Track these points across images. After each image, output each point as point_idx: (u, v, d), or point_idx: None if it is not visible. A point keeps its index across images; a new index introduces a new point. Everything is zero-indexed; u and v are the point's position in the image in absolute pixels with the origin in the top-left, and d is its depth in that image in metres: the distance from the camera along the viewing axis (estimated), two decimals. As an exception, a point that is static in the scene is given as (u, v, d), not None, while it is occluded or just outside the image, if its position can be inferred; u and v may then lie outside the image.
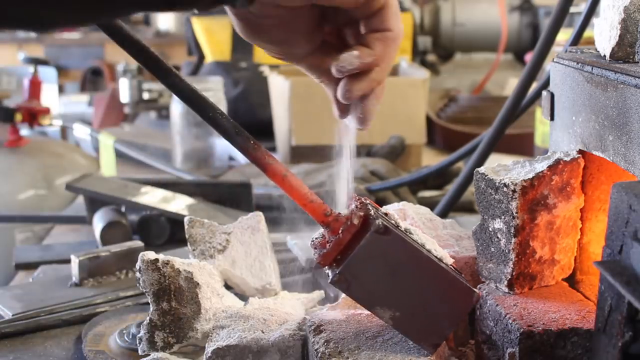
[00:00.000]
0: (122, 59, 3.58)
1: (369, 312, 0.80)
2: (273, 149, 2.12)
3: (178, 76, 0.74)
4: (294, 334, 0.79)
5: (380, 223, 0.71)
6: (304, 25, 0.73)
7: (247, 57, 2.39)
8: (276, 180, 0.74)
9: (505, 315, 0.76)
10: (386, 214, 0.77)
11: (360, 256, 0.71)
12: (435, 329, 0.73)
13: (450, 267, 0.76)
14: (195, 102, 0.74)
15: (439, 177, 1.58)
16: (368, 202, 0.74)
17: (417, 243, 0.75)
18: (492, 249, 0.82)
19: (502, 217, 0.79)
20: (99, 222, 1.32)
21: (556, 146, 0.88)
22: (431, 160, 1.89)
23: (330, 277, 0.72)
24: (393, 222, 0.76)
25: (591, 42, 0.87)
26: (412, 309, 0.73)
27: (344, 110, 0.78)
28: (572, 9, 1.18)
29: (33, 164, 2.08)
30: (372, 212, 0.72)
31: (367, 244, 0.71)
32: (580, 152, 0.82)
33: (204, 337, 0.85)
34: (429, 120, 2.11)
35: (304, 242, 1.16)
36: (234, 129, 0.75)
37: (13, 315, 1.00)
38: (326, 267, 0.73)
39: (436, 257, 0.75)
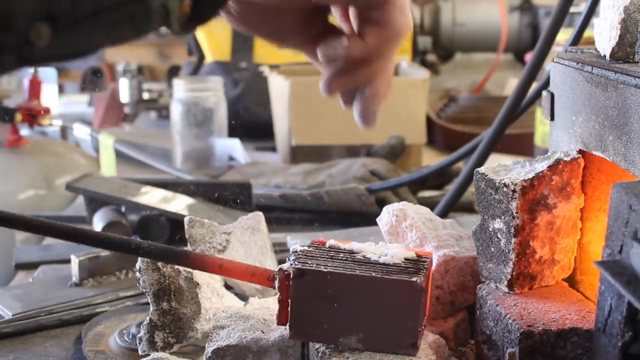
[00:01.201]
0: (122, 59, 3.58)
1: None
2: (273, 149, 2.12)
3: (84, 231, 0.80)
4: (294, 334, 0.79)
5: (294, 269, 0.73)
6: (291, 19, 0.70)
7: (247, 57, 2.39)
8: (214, 271, 0.78)
9: (505, 315, 0.76)
10: (319, 246, 0.79)
11: (297, 304, 0.73)
12: (402, 332, 0.73)
13: (396, 264, 0.75)
14: (118, 246, 0.79)
15: (439, 177, 1.57)
16: (303, 247, 0.77)
17: (347, 261, 0.75)
18: (492, 249, 0.82)
19: (502, 217, 0.79)
20: (99, 222, 1.32)
21: (556, 146, 0.88)
22: (431, 160, 1.88)
23: (288, 334, 0.74)
24: (324, 254, 0.77)
25: (591, 42, 0.87)
26: (370, 326, 0.73)
27: (347, 100, 0.74)
28: (572, 9, 1.18)
29: (33, 164, 2.08)
30: (291, 260, 0.75)
31: (295, 292, 0.73)
32: (580, 152, 0.82)
33: (204, 337, 0.85)
34: (429, 120, 2.11)
35: (304, 242, 1.16)
36: (162, 250, 0.79)
37: (13, 315, 1.00)
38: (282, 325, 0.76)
39: (372, 261, 0.75)
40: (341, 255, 0.77)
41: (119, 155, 1.92)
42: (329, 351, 0.73)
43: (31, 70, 2.33)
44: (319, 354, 0.73)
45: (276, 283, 0.75)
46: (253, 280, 0.78)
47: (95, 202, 1.38)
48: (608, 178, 0.80)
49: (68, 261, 1.13)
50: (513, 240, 0.79)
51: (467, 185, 1.25)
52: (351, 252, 0.78)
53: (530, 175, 0.79)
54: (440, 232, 0.92)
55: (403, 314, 0.73)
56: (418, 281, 0.73)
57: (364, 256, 0.76)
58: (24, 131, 2.25)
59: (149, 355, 0.83)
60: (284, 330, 0.78)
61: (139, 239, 0.82)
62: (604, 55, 0.79)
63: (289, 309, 0.74)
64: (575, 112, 0.82)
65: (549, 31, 1.16)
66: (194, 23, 0.57)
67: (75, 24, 0.47)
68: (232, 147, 1.94)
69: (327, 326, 0.73)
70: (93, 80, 4.40)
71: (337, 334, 0.73)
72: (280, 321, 0.75)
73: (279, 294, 0.75)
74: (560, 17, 1.15)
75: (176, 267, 0.86)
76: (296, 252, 0.77)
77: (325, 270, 0.73)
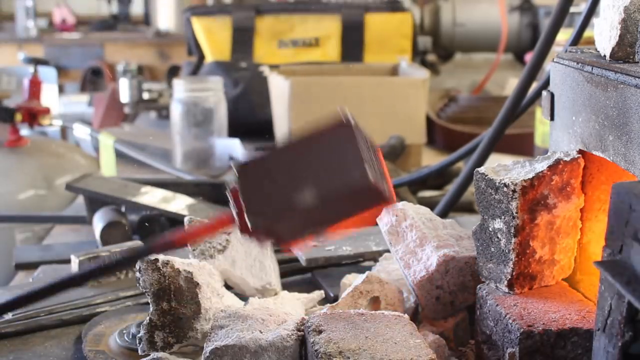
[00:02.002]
0: (122, 59, 3.58)
1: (369, 312, 0.80)
2: (273, 149, 2.12)
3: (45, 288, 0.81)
4: (292, 334, 0.79)
5: (236, 166, 0.75)
6: None
7: (247, 57, 2.39)
8: (185, 240, 0.82)
9: (505, 315, 0.76)
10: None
11: (248, 195, 0.74)
12: (349, 169, 0.72)
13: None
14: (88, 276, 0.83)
15: (439, 177, 1.57)
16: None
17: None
18: (492, 249, 0.82)
19: (502, 217, 0.79)
20: (99, 222, 1.31)
21: (556, 146, 0.88)
22: (431, 160, 1.88)
23: (250, 232, 0.74)
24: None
25: (591, 42, 0.87)
26: (319, 181, 0.73)
27: None
28: (572, 9, 1.18)
29: (33, 164, 2.08)
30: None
31: (243, 185, 0.75)
32: (580, 152, 0.82)
33: (204, 337, 0.85)
34: (429, 120, 2.11)
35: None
36: (131, 253, 0.83)
37: (13, 315, 1.00)
38: (248, 234, 0.76)
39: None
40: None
41: (119, 155, 1.92)
42: (329, 352, 0.73)
43: (31, 70, 2.33)
44: (319, 355, 0.73)
45: (231, 201, 0.76)
46: (221, 224, 0.79)
47: (95, 202, 1.38)
48: (608, 178, 0.80)
49: (68, 261, 1.13)
50: (513, 240, 0.79)
51: (467, 185, 1.25)
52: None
53: (530, 175, 0.79)
54: (440, 232, 0.92)
55: (344, 152, 0.73)
56: (345, 120, 0.73)
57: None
58: (24, 131, 2.25)
59: (149, 355, 0.83)
60: (282, 330, 0.78)
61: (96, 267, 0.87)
62: (604, 55, 0.79)
63: (243, 207, 0.74)
64: (575, 112, 0.82)
65: (549, 31, 1.16)
66: None
67: None
68: (232, 147, 1.94)
69: (280, 202, 0.74)
70: (93, 80, 4.40)
71: (291, 197, 0.73)
72: (242, 228, 0.75)
73: (234, 207, 0.76)
74: (560, 17, 1.14)
75: (176, 267, 0.86)
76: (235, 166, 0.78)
77: (262, 154, 0.75)
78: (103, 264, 0.83)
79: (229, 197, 0.76)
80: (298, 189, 0.73)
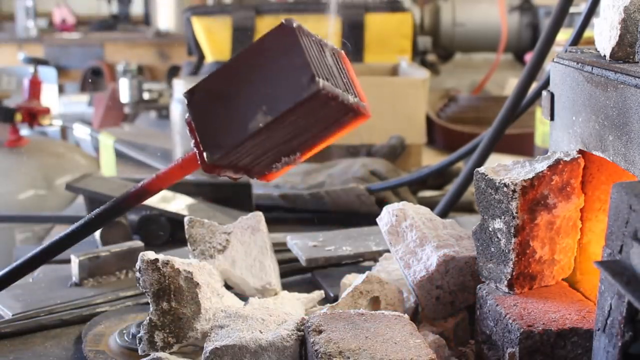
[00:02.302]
0: (122, 59, 3.58)
1: (369, 312, 0.80)
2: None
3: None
4: (292, 333, 0.79)
5: (184, 94, 0.73)
6: None
7: (247, 57, 2.39)
8: (157, 184, 0.80)
9: (505, 315, 0.76)
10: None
11: (199, 121, 0.72)
12: (297, 77, 0.68)
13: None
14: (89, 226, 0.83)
15: (439, 177, 1.58)
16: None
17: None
18: (492, 249, 0.82)
19: (502, 217, 0.79)
20: (99, 222, 1.31)
21: (556, 146, 0.88)
22: (431, 160, 1.88)
23: (212, 168, 0.72)
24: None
25: (591, 42, 0.87)
26: (267, 94, 0.69)
27: None
28: (572, 9, 1.18)
29: (33, 164, 2.08)
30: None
31: (193, 110, 0.72)
32: (580, 152, 0.82)
33: (204, 337, 0.85)
34: (429, 120, 2.11)
35: (304, 242, 1.16)
36: (112, 203, 0.81)
37: (13, 315, 1.00)
38: (210, 170, 0.73)
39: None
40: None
41: (119, 155, 1.92)
42: (329, 352, 0.73)
43: (31, 70, 2.33)
44: (319, 355, 0.73)
45: (187, 129, 0.73)
46: (186, 168, 0.77)
47: (95, 202, 1.38)
48: (608, 178, 0.80)
49: (68, 261, 1.13)
50: (513, 240, 0.79)
51: (467, 185, 1.25)
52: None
53: (530, 175, 0.79)
54: (440, 232, 0.92)
55: (289, 60, 0.68)
56: (286, 22, 0.69)
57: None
58: (24, 131, 2.25)
59: (149, 355, 0.83)
60: (282, 330, 0.78)
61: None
62: (604, 55, 0.79)
63: (196, 135, 0.72)
64: (575, 112, 0.82)
65: (549, 31, 1.16)
66: None
67: None
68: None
69: (233, 123, 0.70)
70: (93, 80, 4.40)
71: (244, 122, 0.69)
72: (203, 165, 0.72)
73: (192, 140, 0.73)
74: (560, 17, 1.15)
75: (176, 267, 0.86)
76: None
77: (208, 75, 0.72)
78: (87, 219, 0.81)
79: (187, 131, 0.73)
80: (249, 111, 0.68)
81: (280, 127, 0.69)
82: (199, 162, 0.72)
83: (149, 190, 0.79)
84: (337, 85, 0.69)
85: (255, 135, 0.69)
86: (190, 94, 0.72)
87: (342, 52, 0.74)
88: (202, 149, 0.71)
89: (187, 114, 0.72)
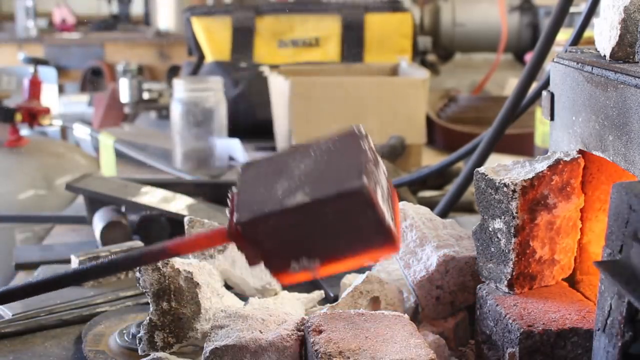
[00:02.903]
0: (122, 59, 3.58)
1: (369, 312, 0.80)
2: (273, 149, 2.12)
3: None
4: (292, 333, 0.79)
5: (241, 166, 0.73)
6: None
7: (247, 57, 2.39)
8: (177, 250, 0.76)
9: (505, 315, 0.76)
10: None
11: (241, 192, 0.71)
12: (346, 169, 0.68)
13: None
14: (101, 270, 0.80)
15: (439, 177, 1.57)
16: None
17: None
18: (492, 249, 0.82)
19: (502, 217, 0.79)
20: (99, 222, 1.31)
21: (556, 146, 0.88)
22: (431, 160, 1.88)
23: (238, 221, 0.71)
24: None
25: (591, 42, 0.87)
26: (312, 176, 0.69)
27: None
28: (572, 9, 1.18)
29: (33, 164, 2.08)
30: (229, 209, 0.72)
31: (240, 180, 0.72)
32: (580, 152, 0.82)
33: (204, 337, 0.85)
34: (429, 120, 2.11)
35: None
36: (131, 255, 0.78)
37: (13, 315, 1.00)
38: (235, 240, 0.72)
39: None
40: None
41: (119, 155, 1.92)
42: (329, 352, 0.73)
43: (31, 70, 2.33)
44: (319, 355, 0.73)
45: (229, 204, 0.72)
46: (211, 241, 0.76)
47: (95, 202, 1.38)
48: (608, 178, 0.80)
49: (68, 261, 1.13)
50: (513, 240, 0.79)
51: (467, 185, 1.25)
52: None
53: (530, 175, 0.79)
54: (440, 232, 0.92)
55: (345, 157, 0.69)
56: (355, 126, 0.70)
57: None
58: (24, 131, 2.25)
59: (149, 355, 0.83)
60: (282, 330, 0.78)
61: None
62: (604, 55, 0.79)
63: (236, 198, 0.71)
64: (575, 112, 0.82)
65: (549, 31, 1.16)
66: None
67: None
68: (232, 147, 1.94)
69: (272, 197, 0.69)
70: (93, 80, 4.41)
71: (282, 197, 0.69)
72: (231, 232, 0.71)
73: (229, 209, 0.72)
74: (560, 17, 1.14)
75: (176, 267, 0.86)
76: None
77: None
78: (96, 265, 0.80)
79: (229, 201, 0.73)
80: (291, 190, 0.69)
81: (314, 215, 0.68)
82: (227, 227, 0.71)
83: (169, 252, 0.76)
84: (381, 200, 0.69)
85: (289, 211, 0.68)
86: (244, 168, 0.73)
87: (391, 180, 0.74)
88: (234, 212, 0.70)
89: (234, 187, 0.73)
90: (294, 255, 0.71)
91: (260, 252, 0.71)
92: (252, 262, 0.72)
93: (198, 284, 0.86)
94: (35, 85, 2.19)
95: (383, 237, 0.69)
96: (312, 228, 0.69)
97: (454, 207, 1.30)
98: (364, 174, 0.67)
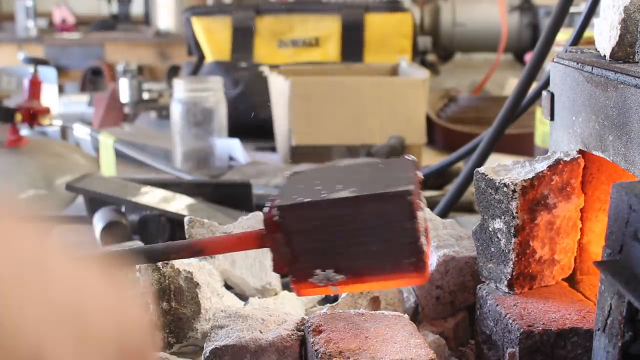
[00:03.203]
0: (122, 59, 3.58)
1: (369, 312, 0.80)
2: (273, 149, 2.12)
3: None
4: (292, 333, 0.79)
5: (274, 214, 0.69)
6: None
7: (247, 57, 2.39)
8: (213, 249, 0.76)
9: (505, 315, 0.76)
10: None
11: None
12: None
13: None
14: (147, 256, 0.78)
15: (439, 177, 1.57)
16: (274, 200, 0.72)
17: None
18: (492, 249, 0.82)
19: (502, 217, 0.79)
20: (99, 222, 1.31)
21: (556, 146, 0.88)
22: (431, 160, 1.88)
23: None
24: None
25: (591, 42, 0.87)
26: (360, 180, 0.69)
27: None
28: (572, 9, 1.18)
29: (33, 164, 2.07)
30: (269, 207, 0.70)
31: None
32: (580, 152, 0.82)
33: (204, 337, 0.85)
34: (429, 120, 2.11)
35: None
36: (165, 247, 0.76)
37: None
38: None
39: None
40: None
41: (119, 155, 1.92)
42: (329, 352, 0.73)
43: (31, 70, 2.33)
44: (319, 355, 0.73)
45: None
46: (244, 244, 0.75)
47: (95, 202, 1.38)
48: (608, 178, 0.80)
49: (68, 261, 1.13)
50: (513, 240, 0.79)
51: (467, 185, 1.25)
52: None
53: (530, 175, 0.79)
54: (440, 232, 0.92)
55: (397, 169, 0.69)
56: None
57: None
58: (24, 131, 2.25)
59: (149, 355, 0.83)
60: (282, 330, 0.78)
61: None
62: (604, 55, 0.79)
63: (277, 197, 0.70)
64: (575, 112, 0.82)
65: (549, 31, 1.16)
66: None
67: None
68: (232, 147, 1.94)
69: (315, 193, 0.68)
70: (93, 80, 4.40)
71: (325, 193, 0.68)
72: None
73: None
74: (560, 17, 1.15)
75: (176, 267, 0.86)
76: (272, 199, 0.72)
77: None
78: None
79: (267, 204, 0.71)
80: (335, 190, 0.67)
81: (353, 213, 0.67)
82: (264, 213, 0.70)
83: (210, 249, 0.75)
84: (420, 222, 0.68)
85: (329, 203, 0.67)
86: (291, 175, 0.74)
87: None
88: (275, 201, 0.69)
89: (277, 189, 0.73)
90: (321, 262, 0.70)
91: (290, 252, 0.70)
92: (278, 265, 0.71)
93: (198, 284, 0.86)
94: (35, 85, 2.19)
95: (415, 260, 0.68)
96: (348, 230, 0.68)
97: (454, 207, 1.30)
98: (412, 184, 0.67)
